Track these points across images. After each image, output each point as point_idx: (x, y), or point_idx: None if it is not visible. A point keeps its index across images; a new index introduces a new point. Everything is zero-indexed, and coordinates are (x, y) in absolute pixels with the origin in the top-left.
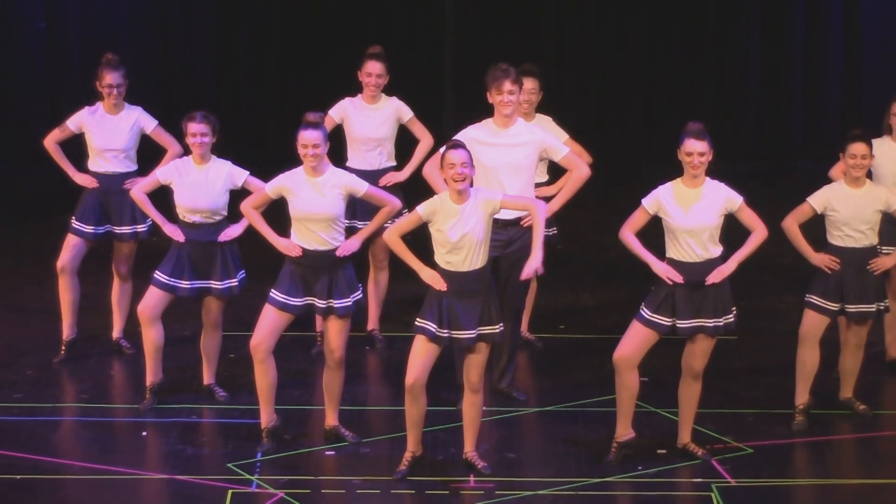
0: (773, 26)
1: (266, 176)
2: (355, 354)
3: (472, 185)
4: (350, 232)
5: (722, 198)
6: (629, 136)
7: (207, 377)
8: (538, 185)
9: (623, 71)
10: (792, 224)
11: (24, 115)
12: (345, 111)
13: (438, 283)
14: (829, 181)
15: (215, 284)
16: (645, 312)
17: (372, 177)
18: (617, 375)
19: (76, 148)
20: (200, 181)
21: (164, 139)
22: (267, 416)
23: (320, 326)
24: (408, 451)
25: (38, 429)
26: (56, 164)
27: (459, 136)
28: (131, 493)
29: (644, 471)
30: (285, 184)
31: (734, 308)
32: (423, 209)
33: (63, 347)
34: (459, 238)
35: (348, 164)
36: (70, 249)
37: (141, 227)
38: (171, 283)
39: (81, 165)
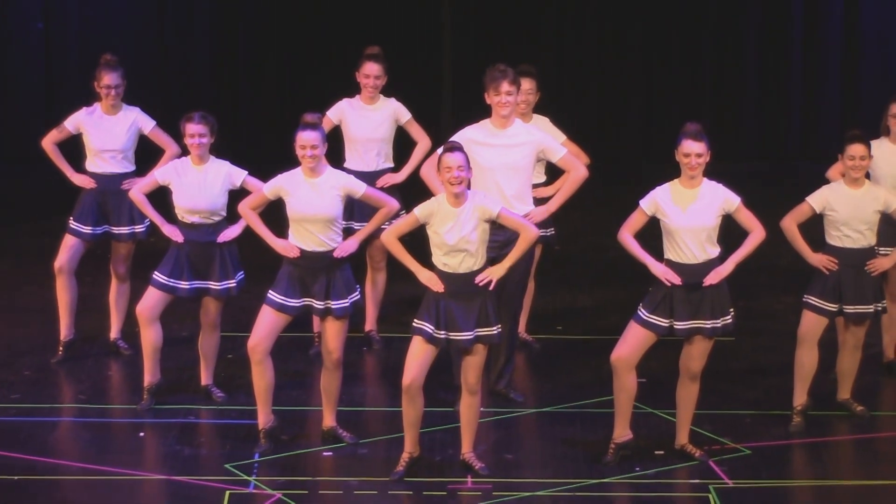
0: (771, 27)
1: (264, 176)
2: (353, 355)
3: (469, 187)
4: (347, 233)
5: (720, 198)
6: (627, 137)
7: (205, 378)
8: (536, 186)
9: (621, 71)
10: (791, 224)
11: (22, 116)
12: (343, 112)
13: (436, 285)
14: (826, 182)
15: (214, 285)
16: (642, 313)
17: (370, 178)
18: (615, 376)
19: (74, 148)
20: (199, 182)
21: (162, 139)
22: (264, 417)
23: (318, 327)
24: (405, 451)
25: (36, 429)
26: (54, 165)
27: (457, 137)
28: (129, 493)
29: (642, 472)
30: (283, 184)
31: (732, 309)
32: (419, 211)
33: (61, 348)
34: (456, 241)
35: (346, 164)
36: (68, 250)
37: (139, 228)
38: (171, 283)
39: (79, 166)
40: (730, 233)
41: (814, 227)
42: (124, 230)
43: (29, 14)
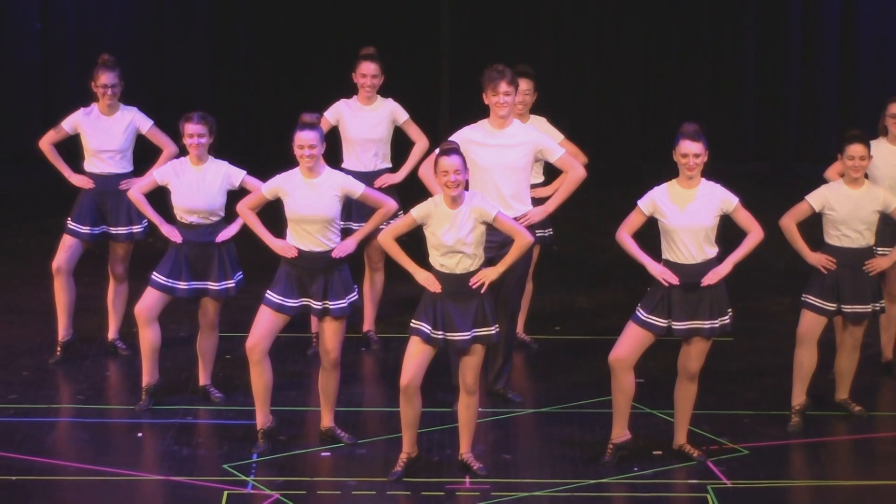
0: (769, 27)
1: (263, 177)
2: (351, 356)
3: (467, 187)
4: (345, 233)
5: (718, 199)
6: (625, 137)
7: (203, 378)
8: (534, 186)
9: (619, 72)
10: (790, 223)
11: (20, 116)
12: (340, 113)
13: (433, 286)
14: (825, 182)
15: (212, 285)
16: (641, 314)
17: (367, 178)
18: (613, 377)
19: (72, 149)
20: (198, 182)
21: (160, 139)
22: (263, 418)
23: (316, 328)
24: (403, 452)
25: (34, 430)
26: (52, 166)
27: (454, 137)
28: (127, 494)
29: (640, 472)
30: (281, 185)
31: (730, 309)
32: (417, 212)
33: (59, 348)
34: (453, 242)
35: (344, 165)
36: (66, 250)
37: (137, 228)
38: (169, 283)
39: (77, 166)
40: (728, 233)
41: (813, 228)
42: (122, 230)
43: (27, 14)
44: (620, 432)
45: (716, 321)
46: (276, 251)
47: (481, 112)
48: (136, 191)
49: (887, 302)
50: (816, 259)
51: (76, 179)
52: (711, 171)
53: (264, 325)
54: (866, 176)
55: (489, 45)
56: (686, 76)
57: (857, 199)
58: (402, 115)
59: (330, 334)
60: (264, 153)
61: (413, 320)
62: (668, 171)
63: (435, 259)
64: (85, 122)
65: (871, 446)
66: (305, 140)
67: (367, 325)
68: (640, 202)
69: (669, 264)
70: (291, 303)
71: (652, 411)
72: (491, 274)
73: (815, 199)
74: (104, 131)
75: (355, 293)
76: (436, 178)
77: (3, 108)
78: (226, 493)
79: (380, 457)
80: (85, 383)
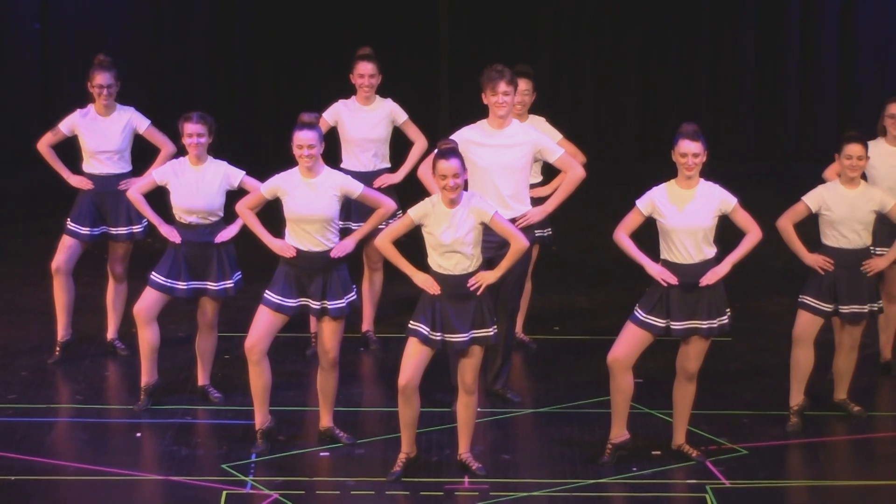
0: (768, 28)
1: (261, 177)
2: (350, 356)
3: (466, 188)
4: (344, 233)
5: (716, 199)
6: (624, 137)
7: (202, 378)
8: (532, 186)
9: (618, 72)
10: (787, 224)
11: (19, 116)
12: (339, 114)
13: (432, 287)
14: (823, 182)
15: (211, 286)
16: (639, 314)
17: (366, 178)
18: (611, 377)
19: (71, 149)
20: (197, 182)
21: (158, 139)
22: (261, 418)
23: (314, 328)
24: (402, 452)
25: (33, 430)
26: (51, 167)
27: (454, 137)
28: (126, 494)
29: (639, 472)
30: (280, 184)
31: (728, 309)
32: (414, 213)
33: (58, 348)
34: (451, 241)
35: (343, 165)
36: (65, 251)
37: (136, 228)
38: (168, 283)
39: (76, 167)
40: (727, 233)
41: (811, 229)
42: (122, 231)
43: (26, 15)
44: (619, 432)
45: (714, 321)
46: (275, 251)
47: (480, 112)
48: (135, 191)
49: (885, 302)
50: (814, 260)
51: (75, 180)
52: (711, 171)
53: (263, 325)
54: (864, 177)
55: (489, 45)
56: (685, 76)
57: (854, 199)
58: (402, 116)
59: (328, 334)
60: (263, 153)
61: (411, 321)
62: (667, 171)
63: (433, 260)
64: (82, 124)
65: (870, 446)
66: (304, 140)
67: (366, 325)
68: (638, 202)
69: (668, 264)
70: (290, 303)
71: (651, 411)
72: (489, 277)
73: (812, 200)
74: (101, 132)
75: (354, 293)
76: (434, 179)
77: (2, 109)
78: (224, 493)
79: (378, 457)
80: (84, 383)
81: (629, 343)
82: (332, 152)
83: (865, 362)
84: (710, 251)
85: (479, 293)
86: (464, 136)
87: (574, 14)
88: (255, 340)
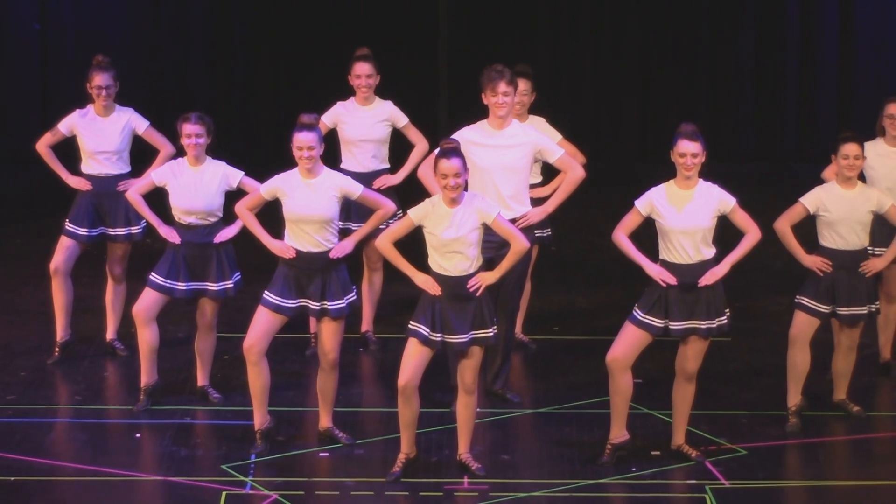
0: (767, 28)
1: (261, 177)
2: (349, 356)
3: (466, 188)
4: (344, 234)
5: (715, 199)
6: (623, 138)
7: (201, 379)
8: (532, 186)
9: (617, 72)
10: (784, 225)
11: (19, 117)
12: (337, 115)
13: (432, 288)
14: (821, 182)
15: (210, 286)
16: (638, 314)
17: (366, 179)
18: (610, 377)
19: (69, 150)
20: (195, 182)
21: (157, 140)
22: (261, 418)
23: (314, 328)
24: (401, 452)
25: (32, 430)
26: (49, 168)
27: (454, 138)
28: (125, 494)
29: (638, 472)
30: (279, 185)
31: (727, 310)
32: (414, 213)
33: (57, 349)
34: (452, 240)
35: (342, 166)
36: (63, 251)
37: (135, 229)
38: (167, 284)
39: (74, 168)
40: (725, 233)
41: (809, 230)
42: (120, 231)
43: (25, 15)
44: (618, 432)
45: (713, 321)
46: (274, 252)
47: (480, 112)
48: (134, 192)
49: (884, 302)
50: (811, 261)
51: (73, 181)
52: (710, 172)
53: (262, 325)
54: (862, 178)
55: (488, 46)
56: (685, 76)
57: (851, 199)
58: (402, 119)
59: (328, 335)
60: (263, 153)
61: (411, 322)
62: (666, 171)
63: (433, 260)
64: (81, 124)
65: (870, 446)
66: (304, 141)
67: (366, 325)
68: (637, 202)
69: (667, 264)
70: (289, 303)
71: (650, 412)
72: (489, 278)
73: (809, 201)
74: (100, 133)
75: (353, 293)
76: (435, 178)
77: (1, 109)
78: (224, 493)
79: (378, 457)
80: (83, 384)
81: (628, 343)
82: (331, 154)
83: (865, 363)
84: (709, 251)
85: (478, 294)
86: (464, 137)
87: (574, 14)
88: (253, 341)
